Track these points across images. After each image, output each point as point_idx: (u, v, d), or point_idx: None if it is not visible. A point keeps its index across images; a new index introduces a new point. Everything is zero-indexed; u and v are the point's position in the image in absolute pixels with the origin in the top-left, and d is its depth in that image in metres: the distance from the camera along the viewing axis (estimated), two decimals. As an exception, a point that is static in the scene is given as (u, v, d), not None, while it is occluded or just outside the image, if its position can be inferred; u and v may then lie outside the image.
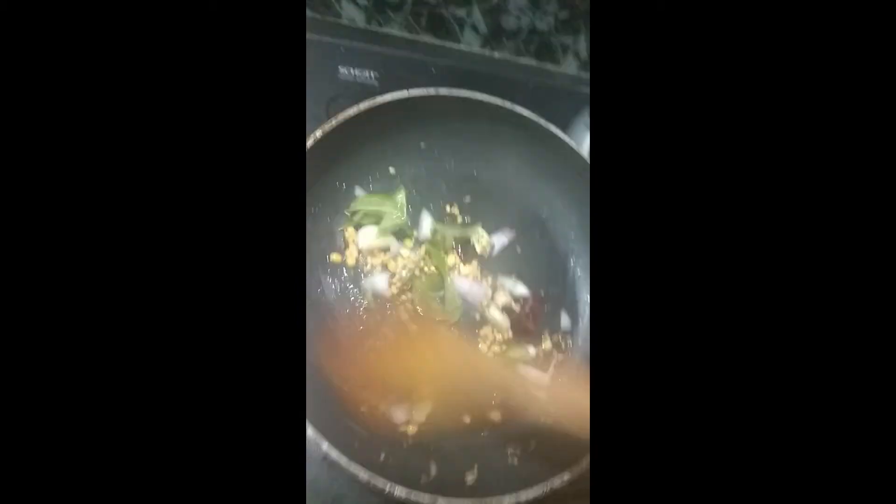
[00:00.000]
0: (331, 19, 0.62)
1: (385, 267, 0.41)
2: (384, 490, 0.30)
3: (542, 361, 0.41)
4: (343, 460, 0.30)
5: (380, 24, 0.65)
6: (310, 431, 0.30)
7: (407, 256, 0.40)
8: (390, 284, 0.40)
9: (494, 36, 0.68)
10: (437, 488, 0.31)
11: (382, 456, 0.34)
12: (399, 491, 0.30)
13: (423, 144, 0.44)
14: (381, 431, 0.35)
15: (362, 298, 0.39)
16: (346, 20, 0.63)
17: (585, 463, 0.33)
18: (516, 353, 0.41)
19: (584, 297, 0.44)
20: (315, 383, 0.30)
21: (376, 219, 0.40)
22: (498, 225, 0.45)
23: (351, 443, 0.32)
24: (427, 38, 0.67)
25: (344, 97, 0.52)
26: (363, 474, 0.30)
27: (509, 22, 0.66)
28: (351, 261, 0.40)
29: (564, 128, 0.58)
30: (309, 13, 0.61)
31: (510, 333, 0.41)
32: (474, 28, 0.67)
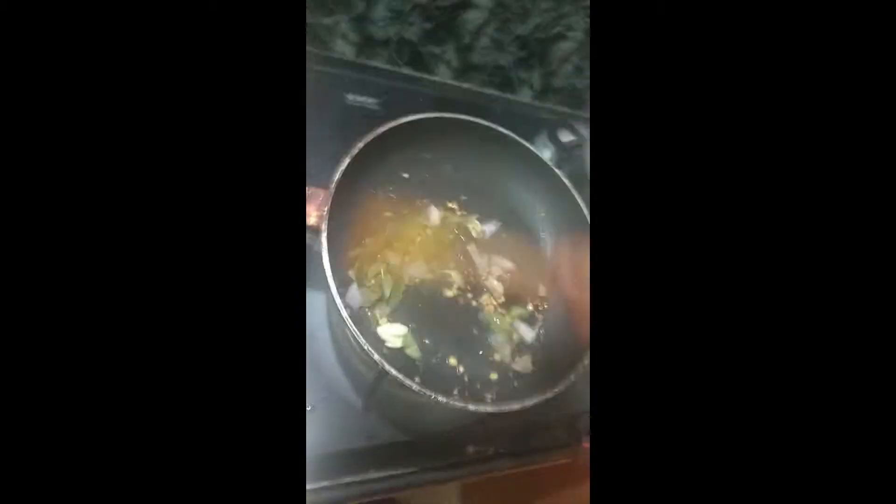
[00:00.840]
0: (325, 53, 0.73)
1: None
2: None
3: (530, 319, 0.54)
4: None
5: (367, 58, 0.76)
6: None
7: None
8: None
9: (464, 70, 0.81)
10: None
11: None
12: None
13: (427, 155, 0.56)
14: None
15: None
16: (338, 54, 0.74)
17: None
18: (516, 311, 0.53)
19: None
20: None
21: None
22: (488, 216, 0.57)
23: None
24: (407, 71, 0.79)
25: (351, 120, 0.62)
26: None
27: (476, 58, 0.80)
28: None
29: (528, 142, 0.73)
30: (308, 48, 0.71)
31: (503, 298, 0.53)
32: (447, 63, 0.80)
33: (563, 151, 0.72)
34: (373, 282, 0.48)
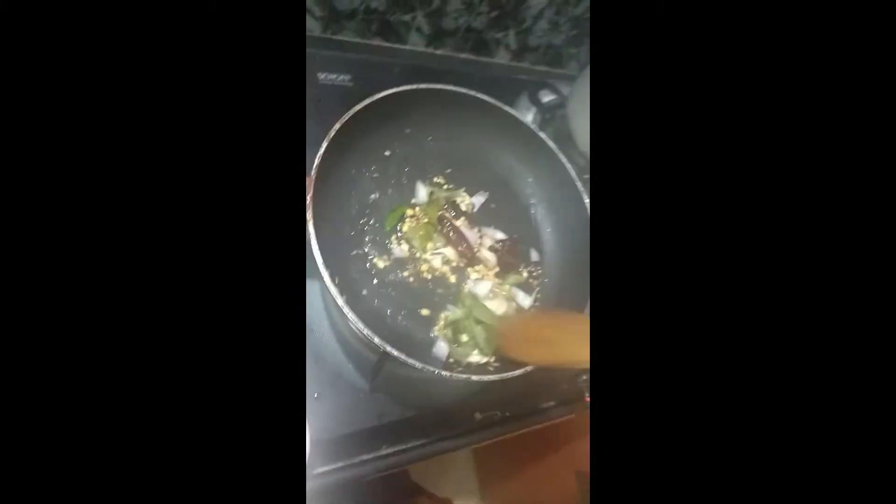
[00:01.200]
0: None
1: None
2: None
3: (525, 286, 0.54)
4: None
5: (333, 33, 0.73)
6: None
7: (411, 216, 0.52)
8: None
9: (437, 36, 0.79)
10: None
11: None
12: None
13: (407, 130, 0.54)
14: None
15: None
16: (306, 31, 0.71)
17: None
18: (511, 279, 0.53)
19: (546, 235, 0.57)
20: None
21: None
22: (476, 188, 0.56)
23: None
24: (377, 42, 0.76)
25: (326, 98, 0.61)
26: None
27: (448, 23, 0.77)
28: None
29: (509, 106, 0.71)
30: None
31: (497, 268, 0.53)
32: (419, 30, 0.77)
33: (546, 112, 0.70)
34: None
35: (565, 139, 0.64)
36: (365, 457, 0.48)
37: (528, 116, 0.71)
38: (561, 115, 0.69)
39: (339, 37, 0.73)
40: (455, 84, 0.59)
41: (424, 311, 0.49)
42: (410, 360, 0.39)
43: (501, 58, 0.85)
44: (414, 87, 0.50)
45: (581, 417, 0.61)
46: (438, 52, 0.80)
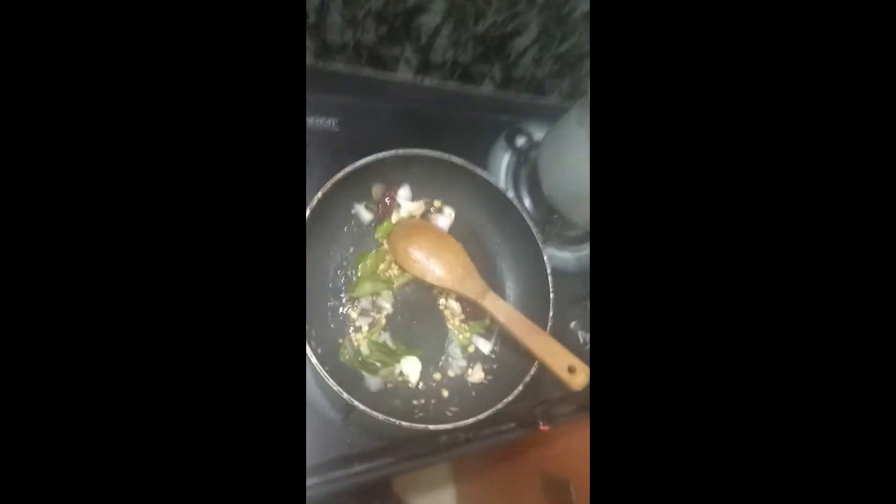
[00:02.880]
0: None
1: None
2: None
3: (486, 333, 0.60)
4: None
5: (325, 63, 0.76)
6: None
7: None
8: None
9: (424, 67, 0.82)
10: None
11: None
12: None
13: (382, 185, 0.59)
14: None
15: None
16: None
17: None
18: (475, 327, 0.59)
19: (509, 285, 0.64)
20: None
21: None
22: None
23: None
24: (368, 72, 0.79)
25: (313, 144, 0.65)
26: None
27: (436, 56, 0.80)
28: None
29: (488, 148, 0.76)
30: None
31: (463, 315, 0.60)
32: (407, 62, 0.80)
33: (520, 155, 0.75)
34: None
35: (535, 181, 0.69)
36: (337, 474, 0.55)
37: (506, 157, 0.75)
38: (534, 156, 0.74)
39: (331, 66, 0.76)
40: (440, 124, 0.65)
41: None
42: (374, 413, 0.46)
43: (486, 89, 0.88)
44: (393, 153, 0.55)
45: (539, 436, 0.68)
46: (426, 82, 0.83)
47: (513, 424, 0.68)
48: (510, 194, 0.65)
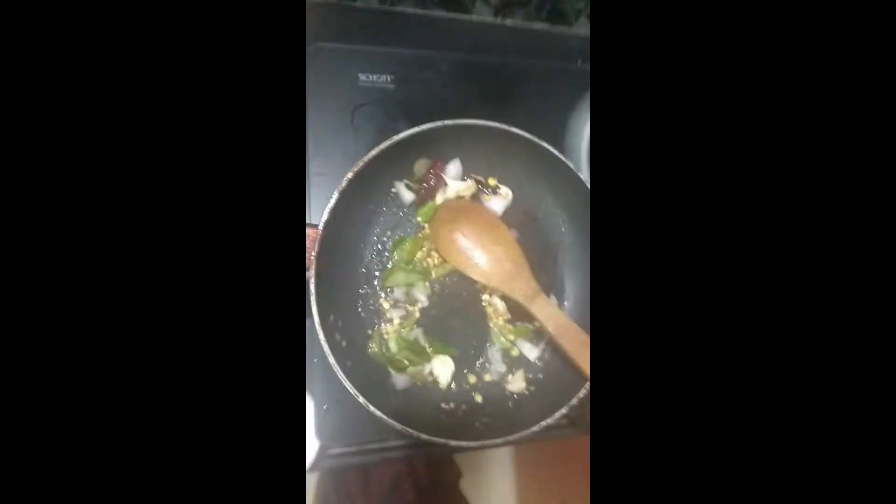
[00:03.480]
0: (346, 3, 0.65)
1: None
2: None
3: (535, 338, 0.53)
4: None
5: (392, 4, 0.67)
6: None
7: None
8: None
9: (505, 5, 0.69)
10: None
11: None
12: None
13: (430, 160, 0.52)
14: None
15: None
16: (361, 2, 0.66)
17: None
18: (521, 330, 0.52)
19: (570, 286, 0.54)
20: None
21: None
22: (508, 225, 0.52)
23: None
24: (440, 13, 0.69)
25: (366, 104, 0.58)
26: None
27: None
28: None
29: (569, 110, 0.63)
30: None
31: (508, 315, 0.53)
32: (485, 0, 0.68)
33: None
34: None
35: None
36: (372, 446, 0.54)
37: (584, 138, 0.62)
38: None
39: (399, 8, 0.67)
40: (513, 80, 0.55)
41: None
42: (391, 422, 0.42)
43: (581, 28, 0.73)
44: (442, 123, 0.46)
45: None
46: (508, 22, 0.71)
47: (565, 421, 0.61)
48: (586, 174, 0.54)
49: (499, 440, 0.44)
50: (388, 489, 0.67)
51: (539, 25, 0.72)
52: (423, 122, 0.47)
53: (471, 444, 0.44)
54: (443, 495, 0.76)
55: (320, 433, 0.50)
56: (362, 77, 0.58)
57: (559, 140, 0.61)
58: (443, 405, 0.49)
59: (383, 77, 0.58)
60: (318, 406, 0.50)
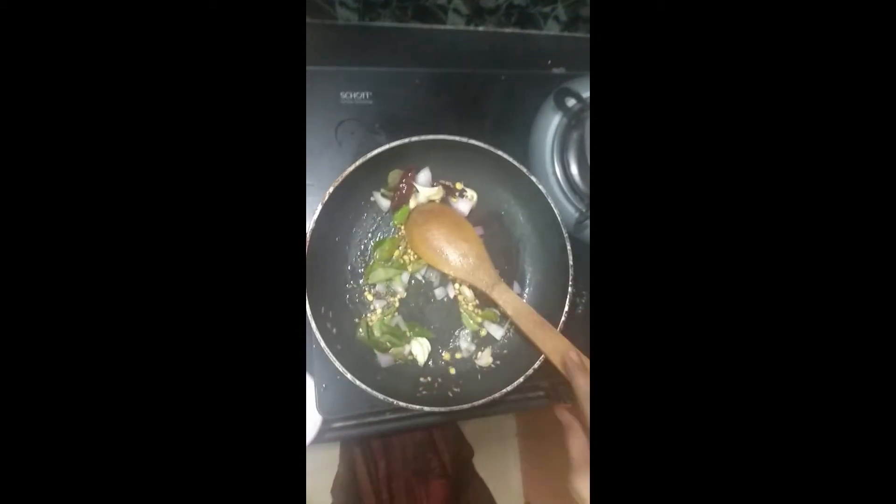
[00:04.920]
0: (328, 22, 0.72)
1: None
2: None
3: (501, 320, 0.61)
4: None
5: (371, 20, 0.73)
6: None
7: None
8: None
9: (476, 15, 0.74)
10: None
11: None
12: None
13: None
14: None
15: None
16: (342, 20, 0.73)
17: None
18: (488, 314, 0.60)
19: (530, 274, 0.61)
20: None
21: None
22: (474, 223, 0.59)
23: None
24: (416, 25, 0.75)
25: (348, 120, 0.66)
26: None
27: (488, 2, 0.72)
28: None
29: (536, 111, 0.69)
30: (309, 19, 0.71)
31: (476, 301, 0.61)
32: (456, 11, 0.73)
33: (572, 118, 0.67)
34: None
35: (585, 150, 0.63)
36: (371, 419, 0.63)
37: (556, 118, 0.68)
38: (585, 117, 0.66)
39: (377, 23, 0.73)
40: (475, 93, 0.63)
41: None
42: (374, 393, 0.51)
43: (551, 29, 0.78)
44: (416, 139, 0.54)
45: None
46: (481, 28, 0.76)
47: (541, 393, 0.69)
48: (551, 165, 0.61)
49: (466, 406, 0.53)
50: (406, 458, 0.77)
51: (510, 30, 0.77)
52: (399, 134, 0.54)
53: (443, 409, 0.53)
54: (458, 471, 0.85)
55: (321, 408, 0.59)
56: (343, 95, 0.65)
57: (526, 138, 0.68)
58: (421, 379, 0.58)
59: (362, 94, 0.65)
60: (317, 385, 0.59)
